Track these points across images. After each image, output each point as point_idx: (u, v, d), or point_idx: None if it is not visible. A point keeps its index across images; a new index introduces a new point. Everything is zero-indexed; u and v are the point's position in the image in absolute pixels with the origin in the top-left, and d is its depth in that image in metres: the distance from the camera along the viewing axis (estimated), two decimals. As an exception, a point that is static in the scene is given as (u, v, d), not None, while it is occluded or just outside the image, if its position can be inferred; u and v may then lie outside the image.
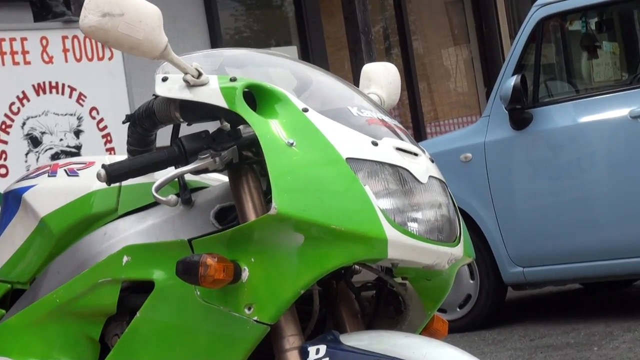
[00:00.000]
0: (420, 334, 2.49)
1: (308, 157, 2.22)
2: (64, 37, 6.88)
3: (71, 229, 2.71)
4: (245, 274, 2.21)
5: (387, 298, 2.51)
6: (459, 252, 2.29)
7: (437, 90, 13.54)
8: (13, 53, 6.70)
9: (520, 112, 7.30)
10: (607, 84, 7.93)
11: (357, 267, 2.40)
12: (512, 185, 7.68)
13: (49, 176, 2.82)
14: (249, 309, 2.20)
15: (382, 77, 2.86)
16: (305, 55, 11.26)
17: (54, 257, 2.76)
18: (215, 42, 10.77)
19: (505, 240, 7.47)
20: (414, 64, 12.92)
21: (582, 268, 7.37)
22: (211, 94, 2.28)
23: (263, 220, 2.16)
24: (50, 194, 2.78)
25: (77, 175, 2.77)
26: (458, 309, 7.82)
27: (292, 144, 2.18)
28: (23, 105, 6.68)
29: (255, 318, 2.18)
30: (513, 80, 7.15)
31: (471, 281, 7.79)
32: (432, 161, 2.38)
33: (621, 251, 7.09)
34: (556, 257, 7.42)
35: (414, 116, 12.72)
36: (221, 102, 2.25)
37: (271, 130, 2.23)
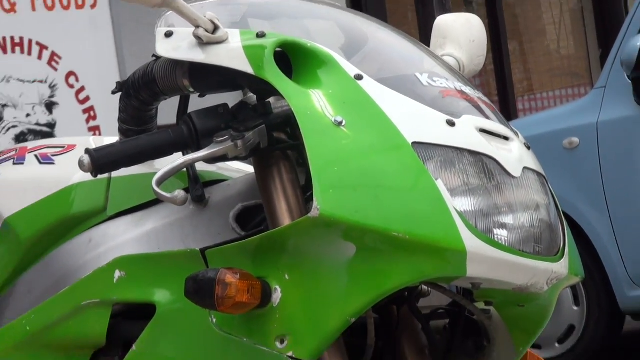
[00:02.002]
0: None
1: (362, 142, 1.98)
2: None
3: (45, 234, 2.53)
4: (276, 296, 2.01)
5: (465, 329, 2.28)
6: (562, 269, 2.06)
7: (532, 52, 12.99)
8: None
9: None
10: None
11: (425, 287, 2.22)
12: (635, 181, 6.85)
13: (14, 164, 2.64)
14: (282, 342, 2.00)
15: (461, 33, 2.60)
16: (357, 3, 10.36)
17: (23, 271, 2.57)
18: None
19: (623, 254, 6.81)
20: (502, 15, 12.30)
21: None
22: (231, 54, 2.08)
23: (301, 224, 1.93)
24: (17, 187, 2.63)
25: (52, 163, 2.57)
26: (557, 344, 7.16)
27: (340, 123, 1.93)
28: None
29: (290, 354, 2.00)
30: (639, 41, 6.56)
31: (575, 308, 7.14)
32: (529, 148, 2.17)
33: None
34: None
35: (501, 87, 12.01)
36: (245, 66, 2.03)
37: (313, 105, 2.00)
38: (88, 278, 2.30)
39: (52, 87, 6.42)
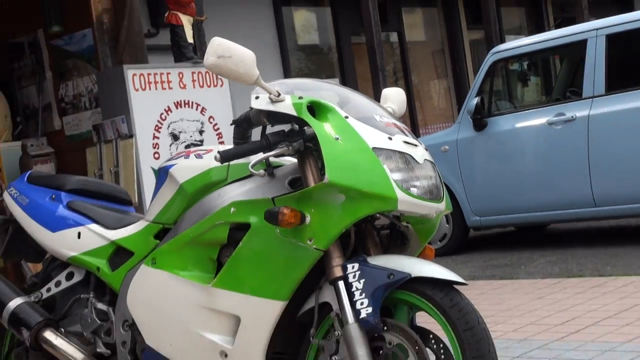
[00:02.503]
0: (417, 257, 3.10)
1: (348, 147, 2.86)
2: (193, 72, 7.97)
3: (198, 191, 3.29)
4: (308, 219, 2.88)
5: (396, 235, 3.17)
6: (442, 206, 2.98)
7: (426, 106, 14.77)
8: (162, 82, 7.79)
9: (479, 120, 8.73)
10: (533, 103, 9.02)
11: (378, 215, 3.05)
12: (474, 166, 8.98)
13: (184, 158, 3.40)
14: (310, 240, 2.88)
15: (394, 96, 3.44)
16: (343, 82, 12.18)
17: (188, 208, 3.33)
18: (287, 75, 11.66)
19: (469, 201, 8.96)
20: (412, 89, 13.98)
21: (516, 218, 8.97)
22: (286, 107, 2.92)
23: (320, 186, 2.86)
24: (186, 169, 3.35)
25: (202, 158, 3.34)
26: (439, 242, 9.16)
27: (338, 139, 2.85)
28: (168, 114, 7.79)
29: (315, 246, 2.87)
30: (475, 101, 8.60)
31: (447, 225, 9.17)
32: (426, 150, 3.02)
33: (540, 207, 8.53)
34: (500, 210, 8.89)
35: (412, 122, 13.76)
36: (293, 112, 2.90)
37: (325, 130, 2.86)
38: (218, 211, 3.13)
39: (202, 123, 7.94)
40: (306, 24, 11.90)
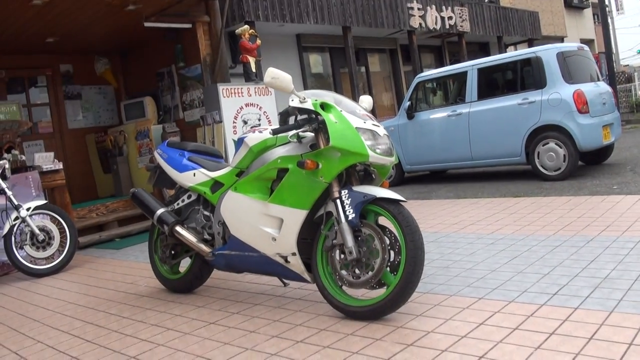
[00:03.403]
0: (379, 186, 2.97)
1: (342, 127, 2.80)
2: (255, 87, 7.77)
3: (260, 150, 3.22)
4: (320, 165, 2.85)
5: (367, 174, 3.07)
6: (394, 159, 2.92)
7: (380, 107, 13.76)
8: (238, 92, 7.64)
9: (410, 114, 8.51)
10: (439, 105, 8.43)
11: (358, 164, 2.94)
12: (407, 139, 8.62)
13: (252, 133, 3.33)
14: (322, 177, 2.87)
15: (366, 100, 3.28)
16: (339, 92, 12.28)
17: (254, 160, 3.27)
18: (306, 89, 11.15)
19: (404, 157, 8.65)
20: (373, 98, 12.83)
21: (429, 167, 8.59)
22: (309, 105, 2.88)
23: (327, 147, 2.81)
24: (254, 138, 3.29)
25: (262, 132, 3.27)
26: (388, 179, 9.35)
27: (336, 122, 2.80)
28: (241, 110, 7.67)
29: (324, 180, 2.87)
30: (408, 103, 8.55)
31: (392, 170, 8.52)
32: (384, 129, 2.99)
33: (443, 160, 8.29)
34: (421, 162, 8.58)
35: (373, 115, 13.58)
36: (312, 108, 2.88)
37: (329, 118, 2.82)
38: (272, 161, 3.08)
39: (259, 115, 7.79)
40: (315, 62, 11.87)
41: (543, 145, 7.18)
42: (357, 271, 2.91)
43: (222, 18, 8.18)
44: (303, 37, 11.57)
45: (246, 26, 8.23)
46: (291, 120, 3.05)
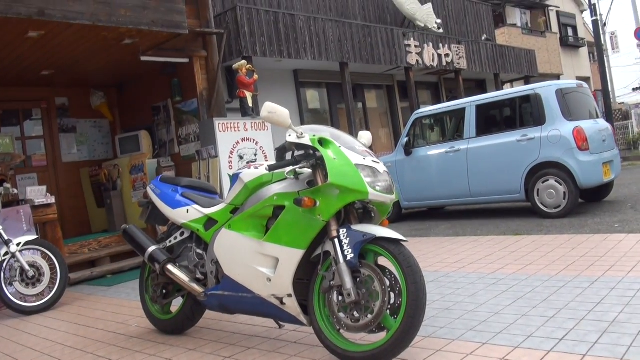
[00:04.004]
0: (379, 225, 2.89)
1: (340, 163, 2.75)
2: (252, 122, 7.85)
3: (255, 187, 3.15)
4: (318, 203, 2.79)
5: (366, 213, 3.00)
6: (394, 197, 2.85)
7: (377, 143, 13.67)
8: (234, 127, 7.70)
9: (407, 150, 8.46)
10: (436, 141, 8.37)
11: (357, 202, 2.87)
12: (404, 175, 8.55)
13: (248, 169, 3.27)
14: (319, 215, 2.80)
15: (365, 135, 3.26)
16: (336, 127, 12.49)
17: (249, 196, 3.20)
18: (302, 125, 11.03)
19: (402, 193, 8.58)
20: (371, 133, 12.32)
21: (427, 203, 8.52)
22: (306, 140, 2.82)
23: (325, 185, 2.76)
24: (249, 174, 3.19)
25: (257, 169, 3.21)
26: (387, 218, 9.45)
27: (335, 159, 2.75)
28: (237, 145, 7.70)
29: (321, 219, 2.80)
30: (405, 139, 8.48)
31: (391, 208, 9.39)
32: (384, 165, 2.92)
33: (441, 197, 8.22)
34: (418, 199, 8.51)
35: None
36: (309, 144, 2.82)
37: (328, 154, 2.77)
38: (267, 198, 3.02)
39: (256, 150, 7.79)
40: (313, 98, 11.90)
41: (543, 183, 7.10)
42: (356, 314, 2.80)
43: (220, 53, 8.24)
44: (300, 72, 11.61)
45: (243, 61, 8.36)
46: (288, 156, 2.98)
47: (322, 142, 2.82)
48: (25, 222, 5.81)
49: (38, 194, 6.20)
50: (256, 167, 3.21)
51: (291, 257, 2.88)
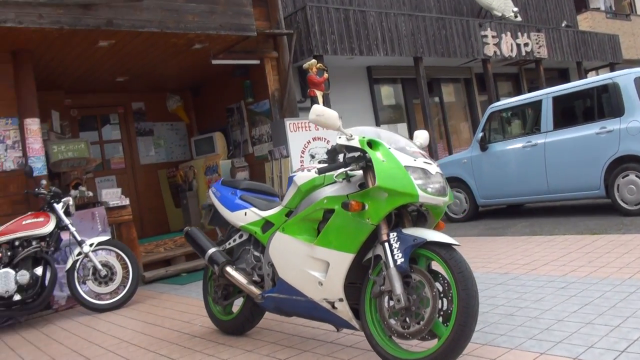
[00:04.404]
0: (433, 229, 2.83)
1: (389, 166, 2.70)
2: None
3: (307, 190, 3.15)
4: (367, 207, 2.75)
5: (421, 215, 2.94)
6: (447, 199, 2.77)
7: (455, 138, 13.45)
8: (305, 127, 7.78)
9: (483, 145, 8.20)
10: (514, 135, 8.09)
11: (409, 204, 2.80)
12: (481, 171, 8.29)
13: (301, 172, 3.28)
14: (368, 219, 2.75)
15: (422, 135, 3.11)
16: (408, 128, 11.93)
17: (302, 199, 3.20)
18: (377, 123, 11.31)
19: (478, 190, 8.34)
20: (449, 129, 13.11)
21: (504, 200, 8.19)
22: (356, 142, 2.79)
23: (374, 188, 2.72)
24: (302, 177, 3.21)
25: (310, 171, 3.20)
26: (461, 214, 8.60)
27: (384, 161, 2.71)
28: (308, 144, 7.82)
29: (371, 222, 2.75)
30: (480, 134, 8.23)
31: (466, 204, 8.54)
32: (438, 166, 2.82)
33: (519, 194, 7.87)
34: (496, 195, 8.21)
35: (448, 147, 12.90)
36: (359, 146, 2.78)
37: (377, 156, 2.73)
38: (318, 201, 3.02)
39: (327, 148, 7.22)
40: (387, 94, 11.79)
41: (623, 178, 6.73)
42: (406, 320, 2.73)
43: (290, 53, 8.34)
44: (374, 69, 11.45)
45: (313, 60, 8.38)
46: (340, 158, 2.95)
47: (372, 143, 2.77)
48: (100, 223, 6.07)
49: (113, 196, 6.47)
50: (309, 170, 3.19)
51: (341, 261, 2.83)
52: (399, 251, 2.66)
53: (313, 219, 3.04)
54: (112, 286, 5.47)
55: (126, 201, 6.57)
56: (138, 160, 9.40)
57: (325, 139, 7.91)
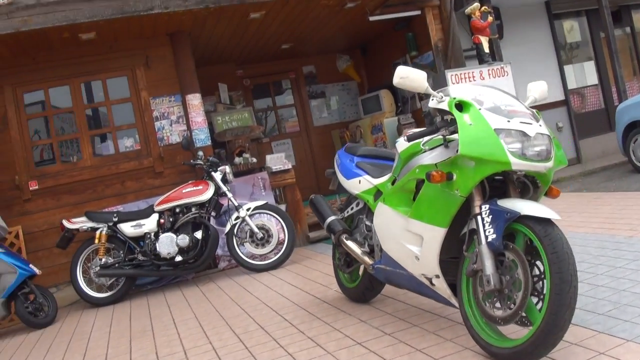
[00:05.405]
0: (545, 195, 2.57)
1: (477, 130, 2.36)
2: (488, 69, 7.32)
3: (407, 157, 2.90)
4: (454, 177, 2.48)
5: (533, 182, 2.52)
6: (550, 164, 2.38)
7: None
8: (469, 77, 7.22)
9: None
10: None
11: (516, 171, 2.40)
12: None
13: (402, 138, 3.06)
14: (457, 190, 2.47)
15: (536, 88, 2.80)
16: (596, 63, 10.40)
17: (402, 167, 2.96)
18: (560, 64, 10.05)
19: None
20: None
21: None
22: (444, 105, 2.52)
23: (458, 156, 2.43)
24: (402, 145, 2.96)
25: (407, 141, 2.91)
26: None
27: (471, 124, 2.38)
28: None
29: (460, 194, 2.47)
30: None
31: None
32: (541, 126, 2.42)
33: None
34: None
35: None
36: (447, 108, 2.51)
37: (463, 120, 2.40)
38: (411, 171, 2.79)
39: None
40: (571, 29, 10.53)
41: None
42: (498, 304, 2.40)
43: (451, -1, 7.75)
44: (553, 3, 10.16)
45: (476, 4, 7.71)
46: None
47: (463, 105, 2.46)
48: (263, 188, 6.30)
49: (277, 161, 6.66)
50: (409, 136, 2.88)
51: (433, 235, 2.60)
52: (490, 226, 2.34)
53: (408, 190, 2.85)
54: (269, 247, 5.65)
55: (288, 165, 6.73)
56: (312, 122, 9.59)
57: (493, 88, 7.40)
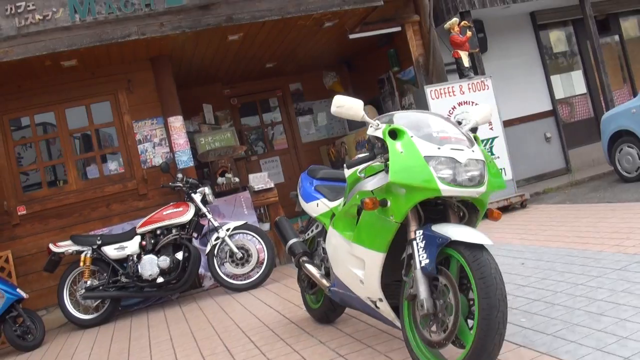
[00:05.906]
0: (487, 218, 2.64)
1: (407, 157, 2.39)
2: (468, 84, 7.29)
3: (352, 182, 2.94)
4: (389, 203, 2.51)
5: (469, 207, 2.57)
6: (483, 189, 2.42)
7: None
8: (449, 92, 7.35)
9: None
10: None
11: (449, 198, 2.49)
12: None
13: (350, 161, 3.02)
14: (392, 216, 2.50)
15: (478, 112, 2.87)
16: (584, 71, 10.35)
17: (348, 192, 3.02)
18: (546, 74, 10.05)
19: None
20: (633, 72, 10.91)
21: None
22: (379, 133, 2.52)
23: (388, 184, 2.48)
24: (347, 172, 3.04)
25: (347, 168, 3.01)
26: (634, 173, 7.33)
27: (402, 152, 2.41)
28: (454, 110, 7.24)
29: (394, 220, 2.50)
30: None
31: (639, 161, 7.27)
32: (474, 151, 2.45)
33: None
34: None
35: (632, 89, 10.69)
36: (381, 135, 2.51)
37: (395, 147, 2.42)
38: (354, 196, 2.83)
39: None
40: (557, 39, 10.51)
41: None
42: (434, 328, 2.42)
43: (429, 13, 7.77)
44: (539, 13, 10.15)
45: (455, 19, 7.74)
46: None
47: (396, 133, 2.48)
48: (245, 207, 6.34)
49: (259, 180, 6.69)
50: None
51: (373, 260, 2.63)
52: (424, 251, 2.37)
53: (351, 215, 2.87)
54: (249, 267, 5.68)
55: (271, 184, 6.76)
56: (300, 139, 9.61)
57: (472, 102, 7.31)
